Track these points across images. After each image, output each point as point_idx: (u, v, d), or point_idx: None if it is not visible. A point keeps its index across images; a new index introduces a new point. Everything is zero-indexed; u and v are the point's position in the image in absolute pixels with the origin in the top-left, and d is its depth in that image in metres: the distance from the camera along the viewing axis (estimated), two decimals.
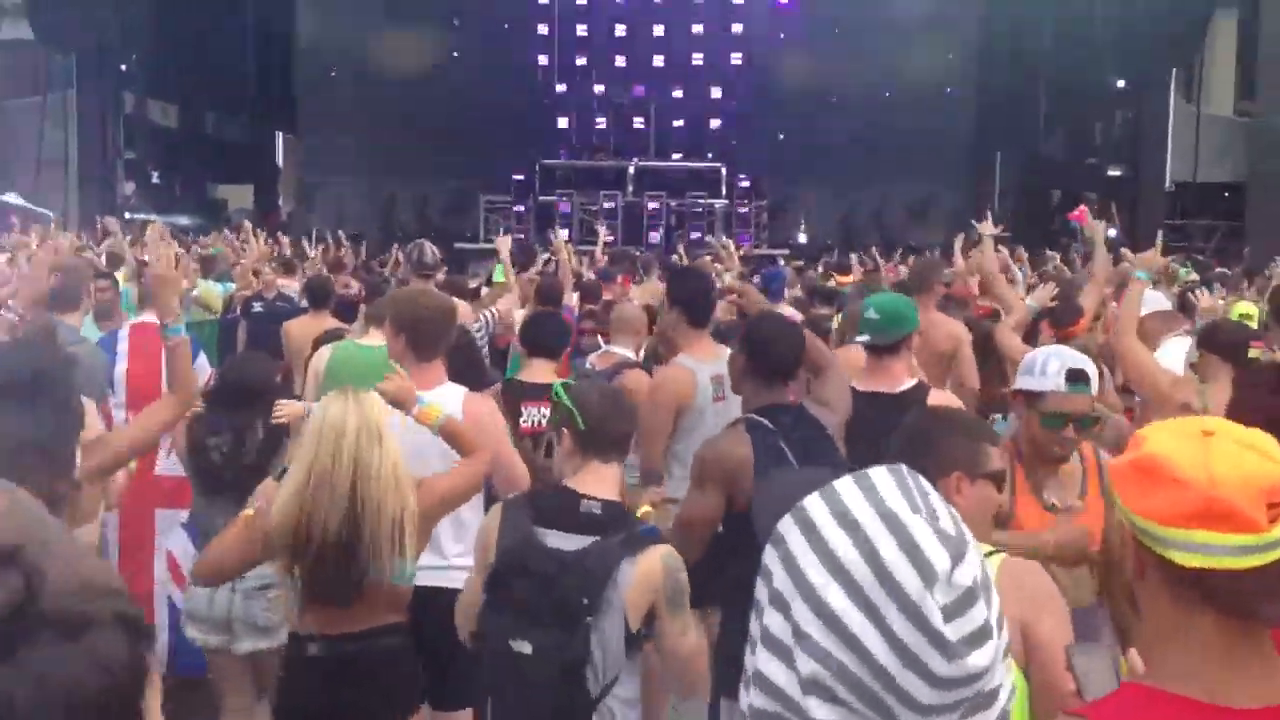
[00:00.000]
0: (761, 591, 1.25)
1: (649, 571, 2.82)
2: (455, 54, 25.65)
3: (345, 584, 3.11)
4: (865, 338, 4.36)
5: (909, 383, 4.33)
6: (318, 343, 6.05)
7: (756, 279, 9.40)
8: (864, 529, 1.18)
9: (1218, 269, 12.72)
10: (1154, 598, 1.42)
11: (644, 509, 3.44)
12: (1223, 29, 24.75)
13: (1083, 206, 8.18)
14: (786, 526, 1.24)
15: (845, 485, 1.24)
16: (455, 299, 6.38)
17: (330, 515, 3.05)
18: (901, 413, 3.40)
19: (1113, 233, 23.26)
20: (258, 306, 9.26)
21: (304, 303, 8.29)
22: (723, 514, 3.51)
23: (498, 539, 2.93)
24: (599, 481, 2.97)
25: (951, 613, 1.15)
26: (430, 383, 3.87)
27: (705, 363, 4.60)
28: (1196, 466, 1.36)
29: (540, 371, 5.14)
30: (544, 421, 4.63)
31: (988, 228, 6.74)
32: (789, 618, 1.20)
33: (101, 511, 3.58)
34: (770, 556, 1.25)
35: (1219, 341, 4.46)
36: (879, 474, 1.24)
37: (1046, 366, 3.37)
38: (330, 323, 7.06)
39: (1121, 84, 23.60)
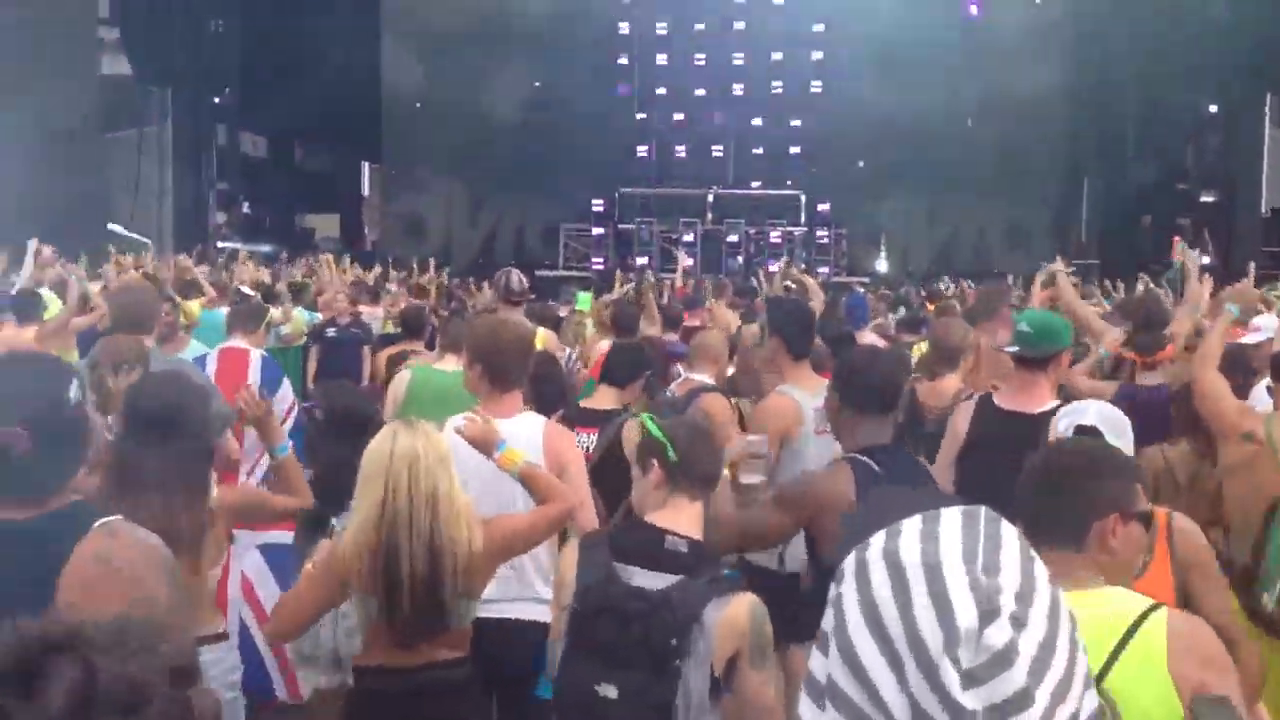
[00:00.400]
0: (821, 626, 1.20)
1: (735, 618, 2.69)
2: (537, 84, 25.96)
3: (431, 622, 3.05)
4: (1015, 349, 4.23)
5: (1051, 403, 4.07)
6: (390, 363, 6.10)
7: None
8: (907, 575, 1.12)
9: None
10: None
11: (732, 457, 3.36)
12: None
13: (1176, 238, 7.99)
14: (849, 563, 1.18)
15: (910, 526, 1.17)
16: (538, 326, 6.44)
17: (416, 552, 2.98)
18: (1039, 436, 3.39)
19: (1206, 260, 22.72)
20: (331, 332, 9.41)
21: (387, 330, 8.43)
22: (790, 540, 3.41)
23: (577, 577, 2.82)
24: (683, 518, 2.85)
25: (975, 678, 1.06)
26: (509, 411, 3.84)
27: (809, 393, 4.51)
28: None
29: (603, 398, 5.09)
30: (591, 449, 4.61)
31: (1058, 265, 6.57)
32: (828, 658, 1.15)
33: None
34: (832, 591, 1.20)
35: None
36: (950, 517, 1.17)
37: (1059, 421, 3.24)
38: (424, 352, 7.14)
39: (1214, 109, 23.04)
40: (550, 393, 5.03)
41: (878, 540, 1.17)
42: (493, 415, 3.69)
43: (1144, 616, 2.07)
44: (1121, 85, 24.49)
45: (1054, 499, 2.23)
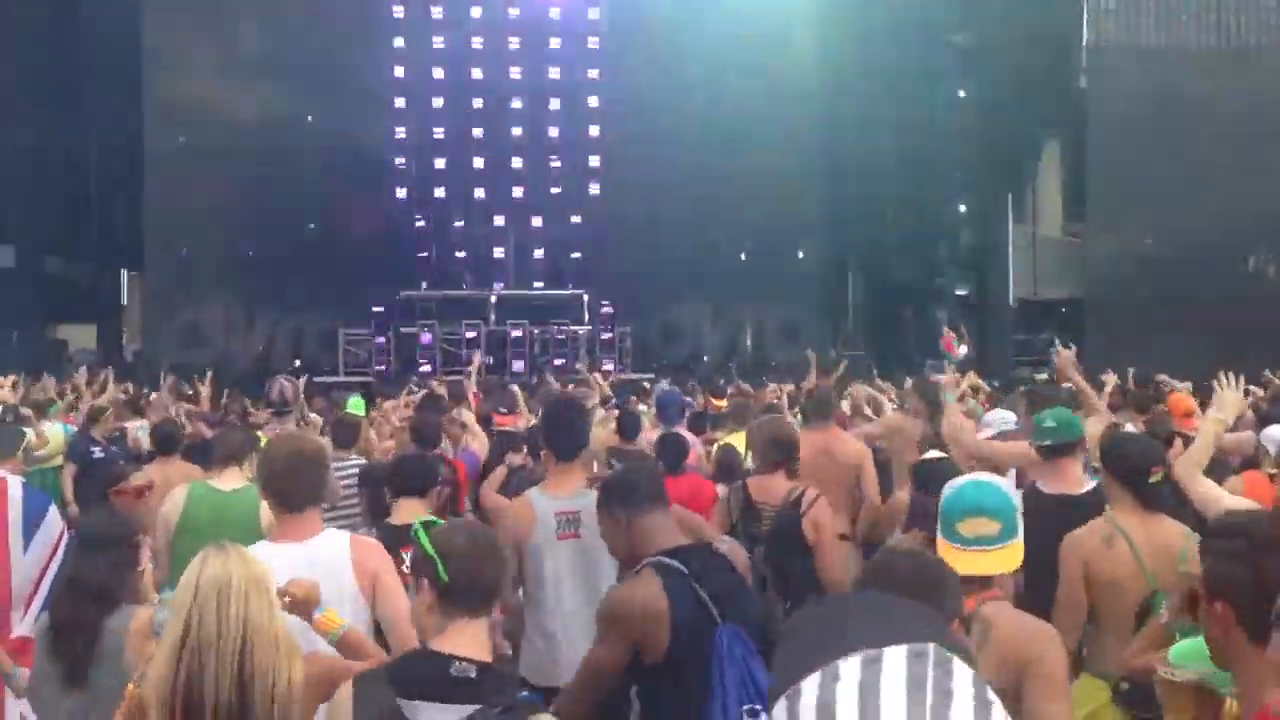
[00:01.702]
0: None
1: None
2: (309, 191, 25.41)
3: None
4: (1048, 442, 4.71)
5: (1090, 484, 4.62)
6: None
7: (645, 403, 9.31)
8: None
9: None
10: None
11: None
12: (1049, 156, 26.42)
13: (948, 332, 8.47)
14: (778, 709, 1.05)
15: (849, 672, 1.03)
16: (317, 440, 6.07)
17: (220, 685, 2.63)
18: (1086, 513, 4.10)
19: (964, 350, 24.24)
20: (97, 451, 8.63)
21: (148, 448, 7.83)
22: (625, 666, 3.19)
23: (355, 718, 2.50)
24: (468, 640, 2.57)
25: None
26: (307, 533, 3.58)
27: (562, 496, 4.33)
28: None
29: (408, 511, 4.72)
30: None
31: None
32: None
33: None
34: None
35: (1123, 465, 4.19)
36: (894, 662, 1.04)
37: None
38: (182, 469, 6.59)
39: (963, 208, 24.83)
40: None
41: (810, 688, 1.02)
42: (289, 539, 3.51)
43: None
44: (879, 184, 26.05)
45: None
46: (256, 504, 4.88)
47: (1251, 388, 9.14)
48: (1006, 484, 3.40)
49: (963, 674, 1.05)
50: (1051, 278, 25.06)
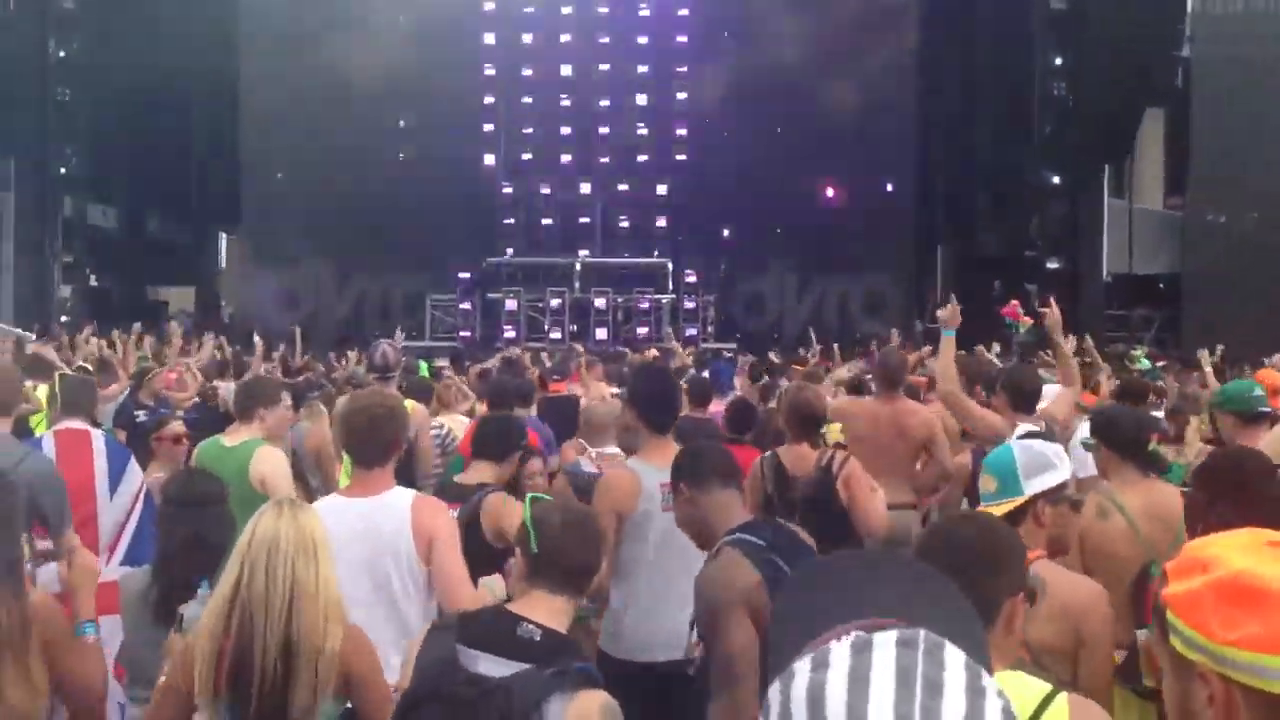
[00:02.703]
0: None
1: (583, 714, 2.44)
2: (401, 155, 25.72)
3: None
4: (1267, 409, 5.02)
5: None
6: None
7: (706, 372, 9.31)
8: None
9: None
10: None
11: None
12: (1150, 127, 25.58)
13: (1014, 301, 8.12)
14: (773, 697, 1.05)
15: (839, 658, 1.03)
16: (406, 399, 6.18)
17: (269, 645, 2.73)
18: None
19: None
20: (141, 415, 8.67)
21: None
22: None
23: (416, 659, 2.60)
24: (544, 610, 2.63)
25: None
26: (376, 489, 3.70)
27: (656, 467, 4.18)
28: None
29: (478, 473, 4.78)
30: None
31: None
32: None
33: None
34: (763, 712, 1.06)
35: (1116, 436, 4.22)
36: (884, 649, 1.03)
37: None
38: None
39: (1057, 180, 24.21)
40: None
41: (803, 672, 1.03)
42: (359, 494, 3.64)
43: (1046, 702, 2.01)
44: (969, 157, 25.55)
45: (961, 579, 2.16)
46: (248, 458, 5.02)
47: None
48: (1056, 449, 3.30)
49: (954, 662, 1.04)
50: (1148, 252, 24.36)
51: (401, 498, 3.74)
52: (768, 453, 5.46)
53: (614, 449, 5.51)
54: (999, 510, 3.00)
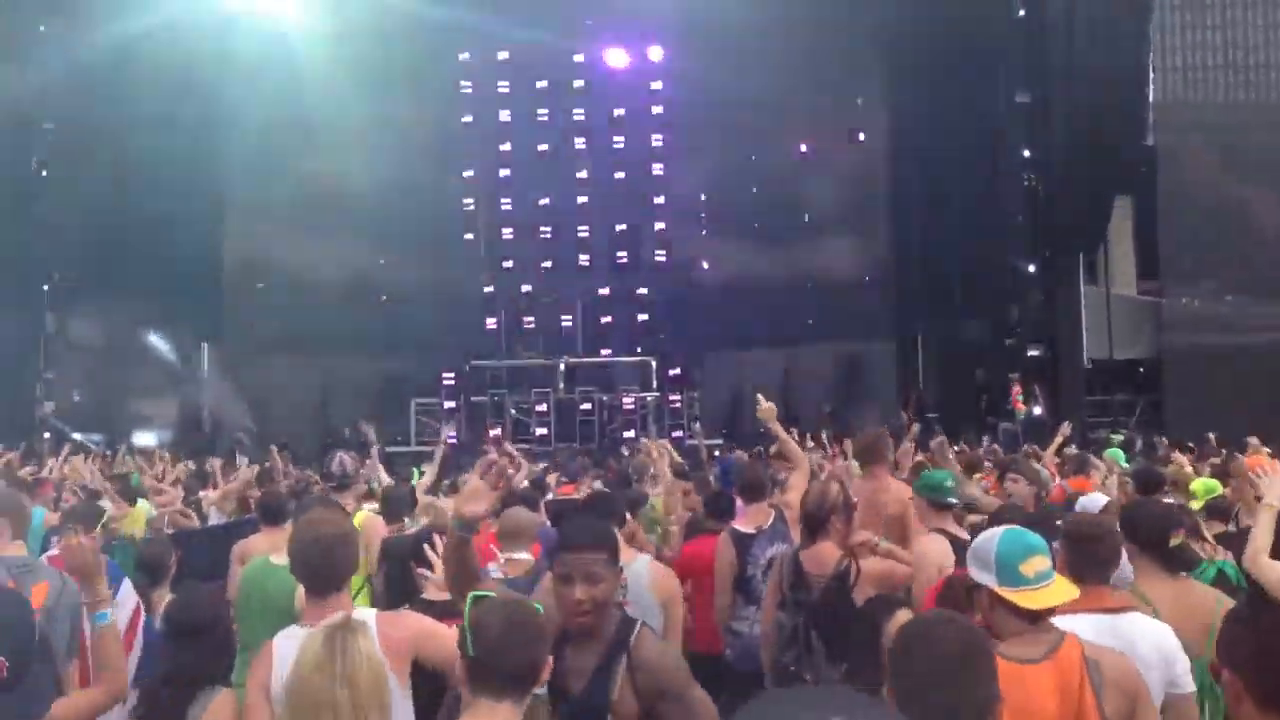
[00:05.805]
0: None
1: None
2: (382, 261, 25.92)
3: None
4: (955, 500, 5.62)
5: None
6: None
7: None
8: None
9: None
10: None
11: None
12: (1120, 214, 26.01)
13: (1016, 388, 8.35)
14: None
15: None
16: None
17: None
18: None
19: (1038, 410, 23.78)
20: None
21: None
22: None
23: None
24: None
25: None
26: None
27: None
28: None
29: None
30: None
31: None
32: None
33: None
34: None
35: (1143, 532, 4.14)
36: None
37: None
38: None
39: (1031, 269, 24.51)
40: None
41: None
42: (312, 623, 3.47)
43: None
44: (945, 250, 25.86)
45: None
46: (291, 581, 4.89)
47: None
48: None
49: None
50: (1126, 338, 24.56)
51: (366, 615, 3.59)
52: (790, 552, 5.45)
53: (525, 554, 5.36)
54: (1056, 584, 3.15)
